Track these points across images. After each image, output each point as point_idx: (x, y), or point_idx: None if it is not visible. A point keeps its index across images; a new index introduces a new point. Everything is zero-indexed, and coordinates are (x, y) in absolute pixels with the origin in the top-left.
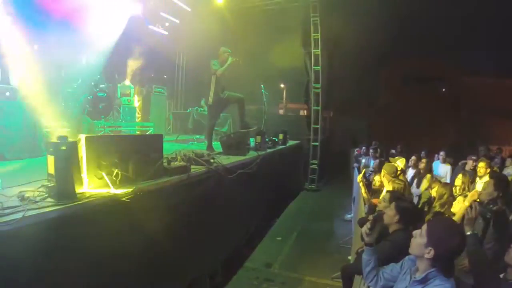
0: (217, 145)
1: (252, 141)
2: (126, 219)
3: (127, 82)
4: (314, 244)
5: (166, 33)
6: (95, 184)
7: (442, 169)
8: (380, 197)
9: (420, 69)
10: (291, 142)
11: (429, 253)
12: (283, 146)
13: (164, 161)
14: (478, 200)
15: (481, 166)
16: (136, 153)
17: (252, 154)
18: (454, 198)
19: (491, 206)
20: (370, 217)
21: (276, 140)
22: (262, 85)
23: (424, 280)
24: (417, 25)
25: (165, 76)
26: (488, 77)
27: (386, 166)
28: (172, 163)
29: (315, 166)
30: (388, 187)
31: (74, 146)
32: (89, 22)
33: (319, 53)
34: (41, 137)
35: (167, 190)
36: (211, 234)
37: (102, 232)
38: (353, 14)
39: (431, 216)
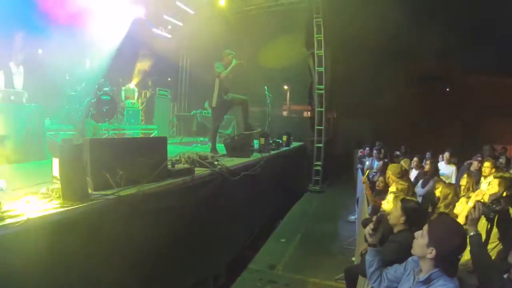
0: (221, 147)
1: (256, 143)
2: (130, 221)
3: (131, 85)
4: (317, 245)
5: (169, 36)
6: (99, 187)
7: (447, 169)
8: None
9: (424, 69)
10: (294, 144)
11: (431, 253)
12: (287, 148)
13: (168, 163)
14: (482, 200)
15: (487, 166)
16: (140, 155)
17: (256, 156)
18: (458, 199)
19: (494, 206)
20: (374, 218)
21: (280, 141)
22: (265, 87)
23: (427, 281)
24: (420, 25)
25: (169, 79)
26: (492, 76)
27: (391, 166)
28: (176, 165)
29: (319, 168)
30: (392, 188)
31: (78, 149)
32: (92, 26)
33: (323, 54)
34: (46, 140)
35: (171, 192)
36: (215, 235)
37: (106, 234)
38: (356, 14)
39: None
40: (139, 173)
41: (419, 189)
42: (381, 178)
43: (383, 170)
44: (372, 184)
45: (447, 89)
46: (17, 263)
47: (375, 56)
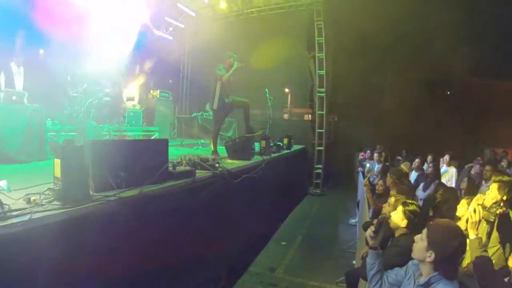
0: (222, 150)
1: (257, 146)
2: (131, 223)
3: (132, 86)
4: (318, 248)
5: (170, 37)
6: (100, 188)
7: (447, 172)
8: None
9: (425, 72)
10: (295, 147)
11: (430, 256)
12: (287, 151)
13: (169, 165)
14: (482, 203)
15: (488, 169)
16: (141, 157)
17: (257, 158)
18: (459, 202)
19: (495, 209)
20: (375, 221)
21: (281, 144)
22: (266, 89)
23: (427, 284)
24: (421, 27)
25: (170, 81)
26: (493, 79)
27: (391, 170)
28: (177, 167)
29: (319, 171)
30: (393, 191)
31: (80, 150)
32: (94, 28)
33: (323, 57)
34: (47, 141)
35: (173, 194)
36: (215, 238)
37: (107, 236)
38: (357, 18)
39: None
40: (140, 175)
41: (420, 193)
42: (380, 182)
43: (383, 174)
44: (373, 187)
45: (448, 93)
46: (18, 263)
47: (376, 59)
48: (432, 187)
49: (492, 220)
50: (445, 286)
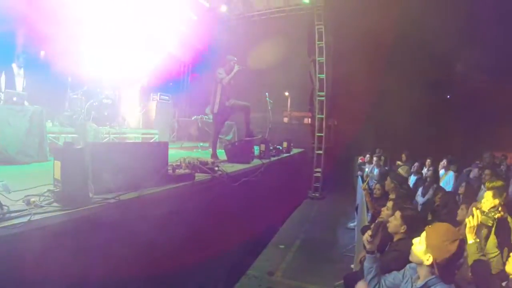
0: (221, 153)
1: (256, 149)
2: (131, 225)
3: (132, 89)
4: (317, 252)
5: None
6: (100, 190)
7: (445, 176)
8: None
9: (425, 76)
10: (295, 150)
11: (428, 260)
12: (287, 154)
13: (168, 168)
14: (481, 208)
15: (487, 173)
16: (141, 160)
17: (256, 162)
18: (457, 206)
19: (493, 214)
20: (373, 225)
21: (280, 148)
22: (266, 93)
23: None
24: (421, 32)
25: (170, 83)
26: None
27: (393, 174)
28: (176, 170)
29: (318, 174)
30: (392, 195)
31: (81, 152)
32: (96, 29)
33: (324, 61)
34: (47, 142)
35: (172, 197)
36: (214, 241)
37: (106, 238)
38: (357, 22)
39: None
40: (140, 178)
41: (419, 198)
42: (377, 186)
43: (381, 178)
44: (372, 191)
45: (448, 96)
46: (18, 264)
47: (376, 63)
48: (430, 191)
49: (490, 224)
50: None
